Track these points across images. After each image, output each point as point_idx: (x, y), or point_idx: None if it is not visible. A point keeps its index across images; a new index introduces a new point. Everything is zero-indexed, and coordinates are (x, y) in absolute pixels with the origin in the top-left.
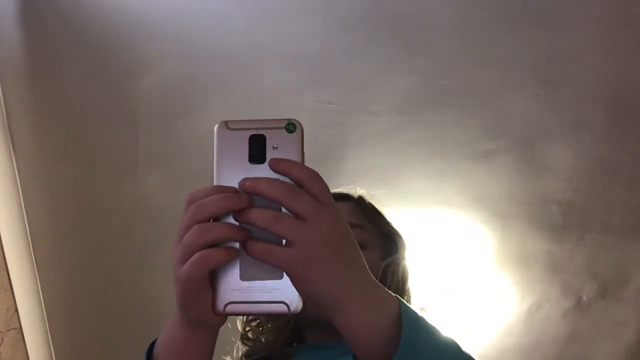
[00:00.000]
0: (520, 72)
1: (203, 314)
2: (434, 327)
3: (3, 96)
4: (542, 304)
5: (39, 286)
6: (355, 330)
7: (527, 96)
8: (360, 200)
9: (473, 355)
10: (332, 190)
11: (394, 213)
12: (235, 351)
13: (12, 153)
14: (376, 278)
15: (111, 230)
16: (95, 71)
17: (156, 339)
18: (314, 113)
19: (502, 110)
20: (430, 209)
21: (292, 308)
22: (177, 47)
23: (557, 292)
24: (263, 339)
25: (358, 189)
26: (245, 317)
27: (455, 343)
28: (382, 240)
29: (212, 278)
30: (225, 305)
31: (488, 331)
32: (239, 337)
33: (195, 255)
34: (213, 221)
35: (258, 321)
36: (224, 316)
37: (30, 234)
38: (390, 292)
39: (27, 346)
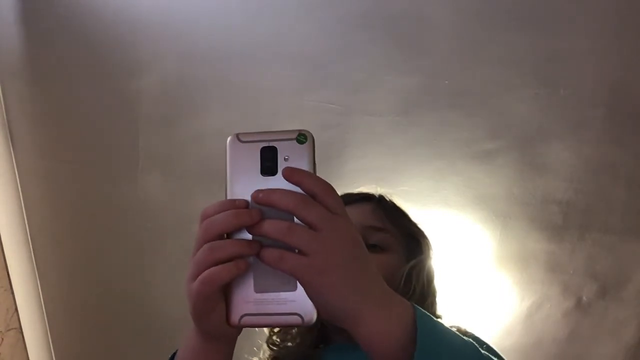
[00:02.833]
0: (520, 72)
1: (217, 326)
2: (451, 332)
3: (3, 96)
4: (542, 304)
5: (39, 286)
6: (370, 338)
7: (527, 96)
8: (382, 200)
9: (499, 352)
10: (353, 191)
11: None
12: (262, 352)
13: (12, 153)
14: (400, 281)
15: (111, 230)
16: (95, 71)
17: (176, 351)
18: (314, 113)
19: (502, 110)
20: (430, 209)
21: (306, 320)
22: (177, 47)
23: (557, 292)
24: (289, 344)
25: (378, 188)
26: None
27: (474, 345)
28: (406, 241)
29: (227, 290)
30: (240, 318)
31: (488, 331)
32: (265, 340)
33: (204, 273)
34: (227, 235)
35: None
36: (239, 328)
37: (30, 234)
38: (404, 299)
39: (27, 346)
